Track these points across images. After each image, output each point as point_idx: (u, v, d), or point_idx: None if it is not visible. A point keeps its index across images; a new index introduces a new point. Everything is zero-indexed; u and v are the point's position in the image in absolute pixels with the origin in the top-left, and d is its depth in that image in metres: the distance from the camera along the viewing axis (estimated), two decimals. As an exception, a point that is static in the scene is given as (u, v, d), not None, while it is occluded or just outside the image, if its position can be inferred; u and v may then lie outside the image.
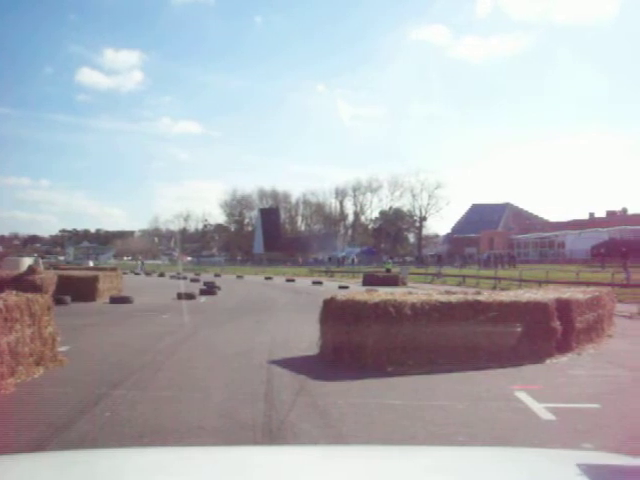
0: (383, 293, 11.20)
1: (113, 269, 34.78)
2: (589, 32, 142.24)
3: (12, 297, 8.83)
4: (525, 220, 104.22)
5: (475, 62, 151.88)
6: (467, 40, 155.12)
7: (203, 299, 25.64)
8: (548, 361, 10.18)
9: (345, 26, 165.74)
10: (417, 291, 13.21)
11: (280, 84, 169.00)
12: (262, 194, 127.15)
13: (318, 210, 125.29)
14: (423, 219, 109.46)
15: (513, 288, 24.49)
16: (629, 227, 70.89)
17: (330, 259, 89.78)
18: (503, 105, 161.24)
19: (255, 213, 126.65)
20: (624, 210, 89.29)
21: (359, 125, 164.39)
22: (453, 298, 10.39)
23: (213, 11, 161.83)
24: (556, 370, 9.68)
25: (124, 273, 39.13)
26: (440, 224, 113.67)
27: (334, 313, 10.19)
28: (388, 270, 45.20)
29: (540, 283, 27.29)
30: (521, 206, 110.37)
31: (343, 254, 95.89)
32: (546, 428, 6.43)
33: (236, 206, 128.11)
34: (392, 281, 36.66)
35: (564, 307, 10.90)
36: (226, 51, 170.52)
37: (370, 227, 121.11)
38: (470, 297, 10.45)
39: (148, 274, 62.12)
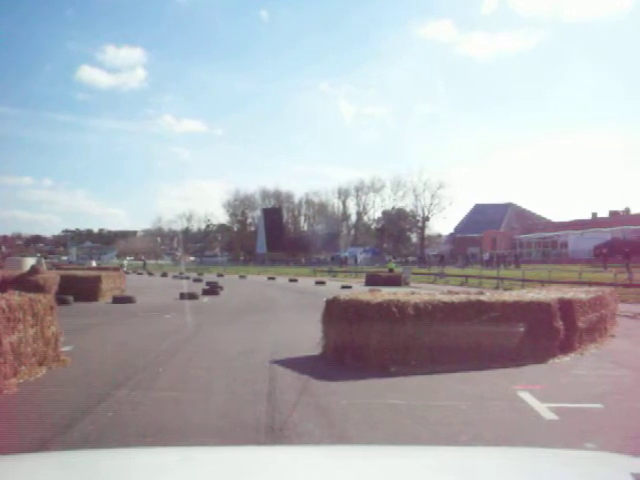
0: (386, 293, 11.21)
1: (116, 269, 34.86)
2: (599, 29, 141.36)
3: (15, 297, 8.83)
4: (528, 220, 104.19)
5: (480, 60, 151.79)
6: (473, 37, 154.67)
7: (206, 299, 25.63)
8: (551, 361, 10.17)
9: (349, 23, 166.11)
10: (420, 291, 13.20)
11: (284, 84, 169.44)
12: (265, 194, 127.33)
13: (321, 210, 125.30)
14: (426, 219, 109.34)
15: (516, 288, 24.47)
16: (632, 227, 70.89)
17: (333, 259, 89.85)
18: (507, 104, 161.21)
19: (258, 213, 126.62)
20: (627, 210, 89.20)
21: (362, 124, 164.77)
22: (456, 298, 10.39)
23: (217, 7, 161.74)
24: (559, 370, 9.67)
25: (126, 273, 39.17)
26: (443, 224, 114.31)
27: (337, 313, 10.18)
28: (391, 270, 45.13)
29: (543, 283, 27.26)
30: (524, 206, 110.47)
31: (346, 254, 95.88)
32: (549, 428, 6.42)
33: (239, 206, 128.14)
34: (395, 281, 36.64)
35: (567, 307, 10.89)
36: (231, 49, 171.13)
37: (373, 227, 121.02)
38: (473, 297, 10.44)
39: (151, 274, 62.18)
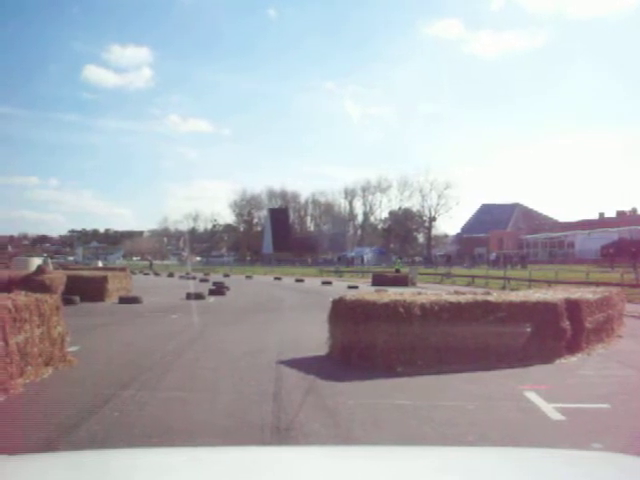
0: (392, 293, 11.20)
1: (122, 269, 34.91)
2: (606, 27, 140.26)
3: (21, 297, 8.84)
4: (534, 220, 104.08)
5: (486, 58, 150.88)
6: (480, 35, 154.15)
7: (212, 299, 25.64)
8: (557, 361, 10.14)
9: (356, 23, 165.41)
10: (426, 291, 13.18)
11: (290, 84, 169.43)
12: (271, 194, 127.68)
13: (327, 210, 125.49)
14: (432, 219, 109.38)
15: (522, 288, 24.40)
16: (639, 227, 70.63)
17: (339, 259, 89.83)
18: (514, 103, 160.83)
19: (264, 213, 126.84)
20: (634, 210, 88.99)
21: (368, 124, 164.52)
22: (462, 298, 10.36)
23: (223, 6, 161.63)
24: (565, 370, 9.64)
25: (132, 273, 39.24)
26: (449, 224, 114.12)
27: (343, 313, 10.17)
28: (397, 270, 45.09)
29: (549, 283, 27.19)
30: (530, 206, 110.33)
31: (353, 254, 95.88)
32: (556, 428, 6.40)
33: (245, 206, 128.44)
34: (401, 281, 36.59)
35: (574, 307, 10.85)
36: (237, 49, 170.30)
37: (379, 227, 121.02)
38: (479, 297, 10.41)
39: (157, 274, 62.30)
